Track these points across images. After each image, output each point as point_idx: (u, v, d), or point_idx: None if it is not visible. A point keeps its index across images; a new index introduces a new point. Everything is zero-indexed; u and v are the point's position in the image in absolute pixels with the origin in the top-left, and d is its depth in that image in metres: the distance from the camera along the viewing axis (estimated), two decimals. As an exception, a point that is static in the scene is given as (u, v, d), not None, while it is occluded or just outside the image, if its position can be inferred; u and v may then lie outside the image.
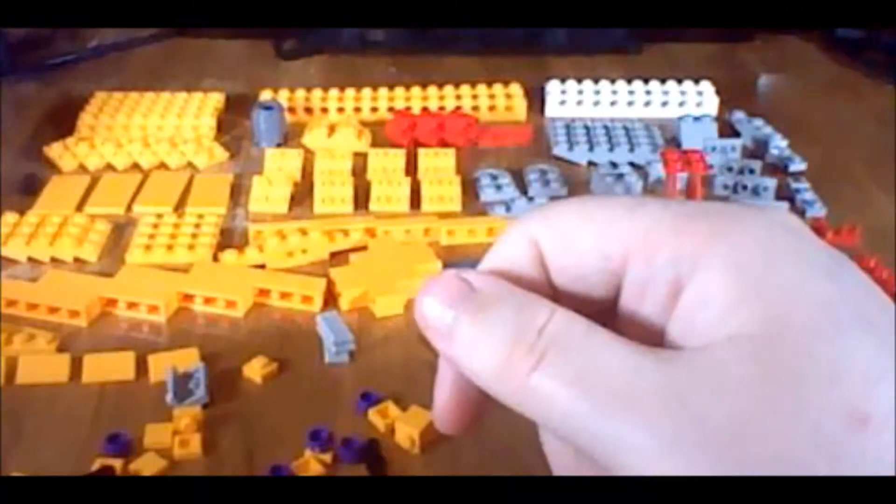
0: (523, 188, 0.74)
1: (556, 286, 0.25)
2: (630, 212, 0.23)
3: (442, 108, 0.86)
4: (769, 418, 0.20)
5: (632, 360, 0.21)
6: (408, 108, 0.85)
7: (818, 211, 0.72)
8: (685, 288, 0.22)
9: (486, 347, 0.23)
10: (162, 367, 0.55)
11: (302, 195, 0.74)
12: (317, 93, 0.88)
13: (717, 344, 0.21)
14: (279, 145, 0.81)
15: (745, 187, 0.74)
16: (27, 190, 0.74)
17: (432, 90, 0.89)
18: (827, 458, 0.20)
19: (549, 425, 0.22)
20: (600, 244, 0.24)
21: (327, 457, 0.49)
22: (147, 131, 0.82)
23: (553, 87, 0.88)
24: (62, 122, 0.84)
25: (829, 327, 0.21)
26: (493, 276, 0.24)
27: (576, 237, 0.24)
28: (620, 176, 0.75)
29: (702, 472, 0.20)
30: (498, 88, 0.89)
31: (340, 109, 0.86)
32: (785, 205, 0.72)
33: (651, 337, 0.23)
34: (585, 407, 0.21)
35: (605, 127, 0.83)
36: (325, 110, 0.86)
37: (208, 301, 0.61)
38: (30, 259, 0.66)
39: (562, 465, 0.26)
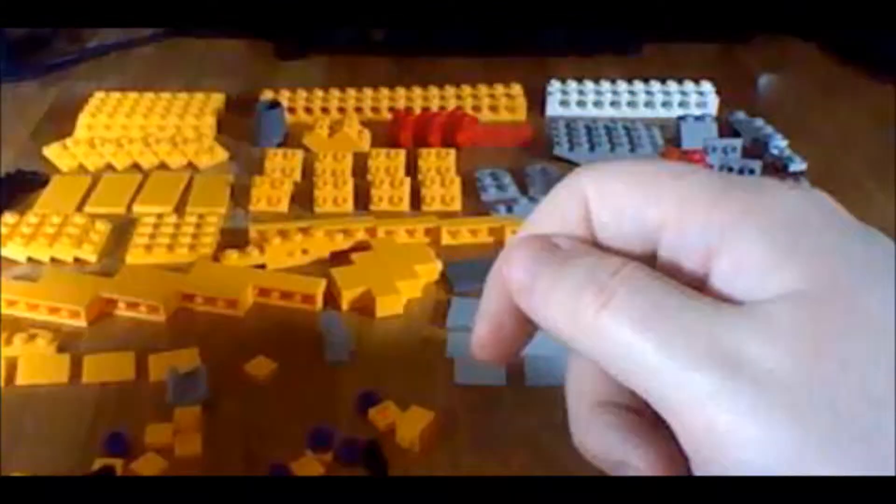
0: (524, 188, 0.74)
1: (600, 243, 0.26)
2: (674, 179, 0.24)
3: (442, 108, 0.86)
4: (818, 366, 0.20)
5: (693, 305, 0.22)
6: (408, 108, 0.85)
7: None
8: (716, 258, 0.23)
9: (561, 292, 0.24)
10: (162, 367, 0.55)
11: (302, 195, 0.74)
12: (317, 93, 0.88)
13: (769, 299, 0.22)
14: (279, 145, 0.81)
15: (745, 187, 0.73)
16: (27, 190, 0.74)
17: (433, 90, 0.89)
18: (874, 407, 0.20)
19: (613, 364, 0.23)
20: (640, 208, 0.25)
21: (327, 457, 0.49)
22: (147, 131, 0.82)
23: (554, 87, 0.88)
24: (62, 122, 0.84)
25: (872, 283, 0.21)
26: (575, 239, 0.26)
27: (620, 198, 0.25)
28: (621, 176, 0.75)
29: (751, 417, 0.20)
30: (498, 88, 0.89)
31: (341, 109, 0.86)
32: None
33: None
34: (650, 347, 0.22)
35: (606, 127, 0.83)
36: (325, 110, 0.86)
37: (208, 301, 0.61)
38: (30, 259, 0.66)
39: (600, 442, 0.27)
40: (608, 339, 0.23)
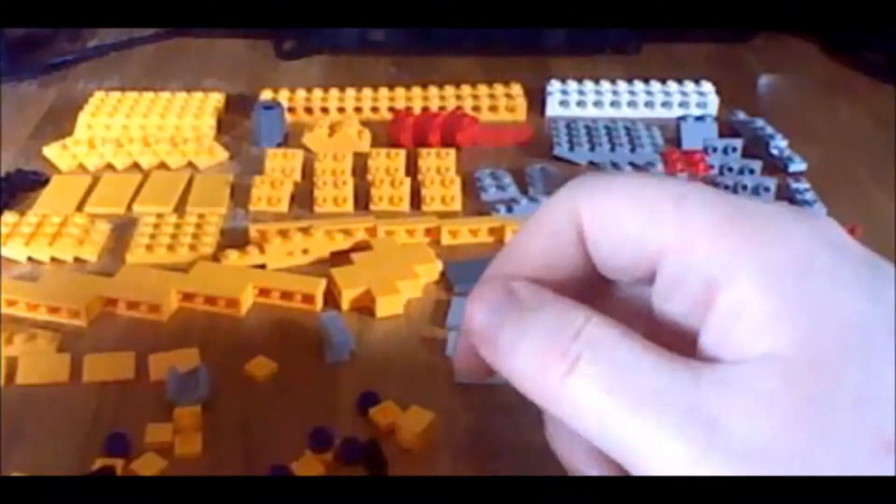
0: (524, 188, 0.74)
1: (593, 259, 0.25)
2: (676, 201, 0.23)
3: (442, 108, 0.86)
4: (797, 440, 0.20)
5: (666, 370, 0.22)
6: (408, 108, 0.85)
7: (818, 211, 0.72)
8: (719, 293, 0.22)
9: (523, 352, 0.23)
10: (162, 367, 0.55)
11: (302, 195, 0.74)
12: (317, 93, 0.88)
13: (750, 361, 0.21)
14: (279, 145, 0.81)
15: (745, 187, 0.73)
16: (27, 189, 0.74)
17: (432, 90, 0.89)
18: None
19: (583, 430, 0.22)
20: (640, 230, 0.24)
21: (327, 457, 0.49)
22: (147, 131, 0.82)
23: (554, 87, 0.88)
24: (62, 122, 0.84)
25: (859, 350, 0.21)
26: (536, 284, 0.25)
27: (617, 218, 0.24)
28: (621, 176, 0.75)
29: None
30: (498, 88, 0.89)
31: (340, 109, 0.86)
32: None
33: (679, 328, 0.23)
34: (619, 414, 0.21)
35: (606, 127, 0.83)
36: (325, 110, 0.86)
37: (208, 301, 0.61)
38: (30, 259, 0.66)
39: (571, 460, 0.27)
40: (576, 404, 0.22)
